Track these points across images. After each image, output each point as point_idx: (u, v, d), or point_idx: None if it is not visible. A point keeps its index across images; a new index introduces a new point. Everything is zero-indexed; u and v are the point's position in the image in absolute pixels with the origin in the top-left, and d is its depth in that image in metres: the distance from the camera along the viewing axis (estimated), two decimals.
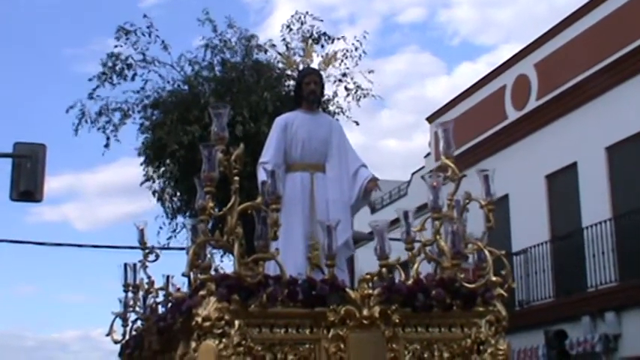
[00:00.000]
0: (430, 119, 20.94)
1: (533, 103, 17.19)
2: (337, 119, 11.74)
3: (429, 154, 21.19)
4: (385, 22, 37.90)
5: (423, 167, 21.43)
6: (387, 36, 47.59)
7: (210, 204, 4.91)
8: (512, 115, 17.79)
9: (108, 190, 42.90)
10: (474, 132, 18.25)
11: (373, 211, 21.29)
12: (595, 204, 15.16)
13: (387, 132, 40.45)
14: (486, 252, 5.02)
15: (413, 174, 22.23)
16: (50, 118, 40.46)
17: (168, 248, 13.95)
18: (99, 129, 14.41)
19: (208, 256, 5.03)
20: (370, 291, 4.88)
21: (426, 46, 50.85)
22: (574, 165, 16.01)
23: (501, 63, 18.45)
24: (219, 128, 5.03)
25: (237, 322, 4.64)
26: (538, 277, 16.20)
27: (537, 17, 42.29)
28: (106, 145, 14.52)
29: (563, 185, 16.32)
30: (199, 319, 4.63)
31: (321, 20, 14.86)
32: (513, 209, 17.29)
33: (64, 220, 44.48)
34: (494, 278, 4.98)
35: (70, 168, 50.73)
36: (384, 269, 5.04)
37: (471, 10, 46.88)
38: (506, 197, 16.84)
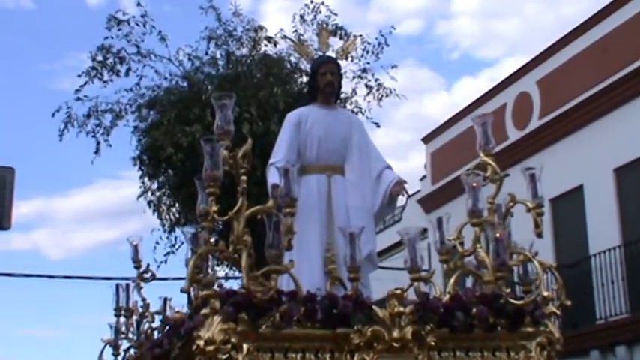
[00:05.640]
0: (426, 140, 20.42)
1: (535, 123, 16.62)
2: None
3: (424, 177, 20.61)
4: (381, 34, 37.02)
5: (419, 191, 20.75)
6: (383, 49, 46.63)
7: (214, 208, 4.25)
8: (514, 135, 17.22)
9: (83, 216, 41.37)
10: (472, 153, 17.66)
11: None
12: (603, 230, 14.57)
13: (383, 151, 39.41)
14: (536, 263, 4.38)
15: (408, 198, 21.48)
16: (19, 138, 38.87)
17: (164, 279, 12.97)
18: (87, 133, 13.18)
19: (211, 269, 4.40)
20: (401, 309, 4.22)
21: (423, 60, 49.27)
22: (580, 188, 15.45)
23: (501, 80, 17.86)
24: (223, 121, 4.41)
25: (245, 346, 4.04)
26: None
27: (543, 29, 40.83)
28: (96, 152, 13.27)
29: (568, 210, 15.72)
30: (201, 343, 4.02)
31: (336, 14, 13.61)
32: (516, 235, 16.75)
33: (35, 248, 42.98)
34: (545, 293, 4.32)
35: (42, 192, 49.02)
36: (415, 283, 4.39)
37: (471, 21, 45.33)
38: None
